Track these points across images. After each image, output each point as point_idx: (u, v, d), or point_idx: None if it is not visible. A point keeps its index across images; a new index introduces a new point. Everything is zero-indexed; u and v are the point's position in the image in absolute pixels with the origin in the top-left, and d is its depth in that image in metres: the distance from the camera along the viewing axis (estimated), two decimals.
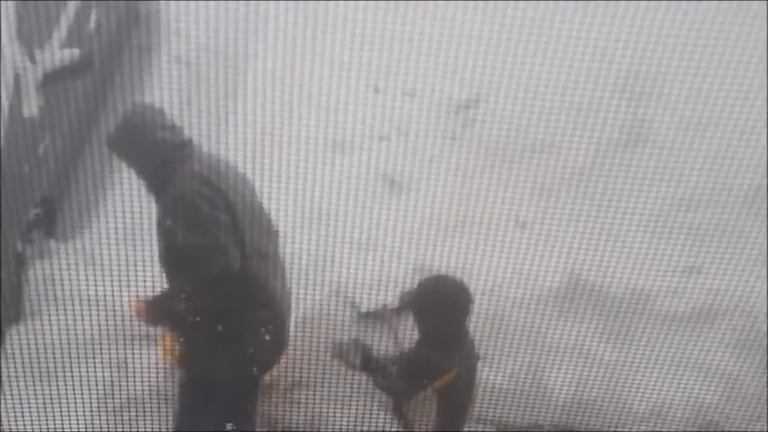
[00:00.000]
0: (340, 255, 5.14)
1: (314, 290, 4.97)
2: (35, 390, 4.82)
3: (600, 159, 5.89)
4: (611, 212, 5.57)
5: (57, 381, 4.85)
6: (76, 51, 5.54)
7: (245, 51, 7.09)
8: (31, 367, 4.80)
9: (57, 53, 5.55)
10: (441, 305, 4.19)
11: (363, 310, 4.90)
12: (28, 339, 4.88)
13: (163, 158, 4.03)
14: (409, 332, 4.59)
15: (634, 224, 5.50)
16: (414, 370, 4.18)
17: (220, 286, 3.96)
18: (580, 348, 4.95)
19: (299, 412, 4.90)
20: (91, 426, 4.71)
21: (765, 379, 4.80)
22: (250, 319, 4.12)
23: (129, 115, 4.12)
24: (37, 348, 4.89)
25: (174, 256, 3.99)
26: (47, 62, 5.46)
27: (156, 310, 4.20)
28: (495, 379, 4.81)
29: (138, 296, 4.25)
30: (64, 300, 5.03)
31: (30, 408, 4.74)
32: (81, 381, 4.81)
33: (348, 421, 4.71)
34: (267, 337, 4.18)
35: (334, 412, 4.81)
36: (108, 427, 4.71)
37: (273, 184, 5.80)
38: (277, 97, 6.38)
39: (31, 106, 5.27)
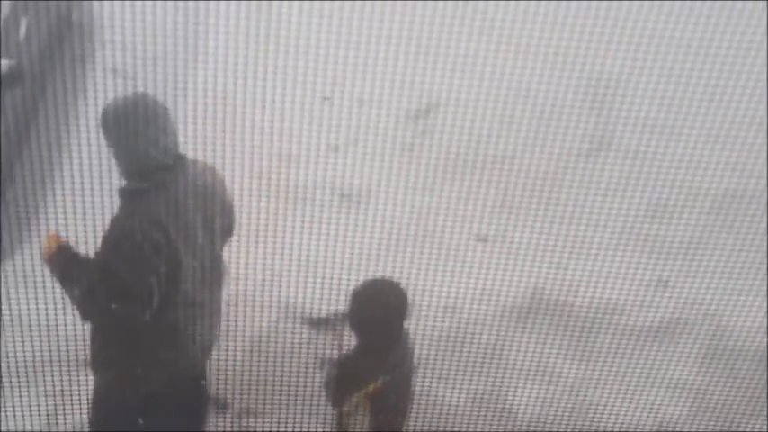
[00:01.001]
0: (289, 272, 5.41)
1: (264, 309, 5.25)
2: None
3: (563, 169, 6.17)
4: (574, 225, 5.87)
5: None
6: (5, 62, 5.77)
7: (185, 61, 7.32)
8: None
9: None
10: (369, 310, 4.40)
11: (314, 316, 5.14)
12: None
13: (140, 171, 4.13)
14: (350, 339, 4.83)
15: (599, 236, 5.79)
16: (344, 375, 4.45)
17: (121, 322, 4.13)
18: (544, 366, 5.21)
19: None
20: None
21: (732, 392, 5.08)
22: (151, 360, 4.28)
23: (127, 105, 4.24)
24: None
25: (102, 272, 4.07)
26: None
27: (62, 249, 4.22)
28: (456, 398, 5.06)
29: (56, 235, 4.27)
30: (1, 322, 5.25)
31: None
32: (20, 409, 5.04)
33: None
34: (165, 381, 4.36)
35: None
36: None
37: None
38: (221, 108, 6.64)
39: None
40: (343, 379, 4.44)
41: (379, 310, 4.37)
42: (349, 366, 4.45)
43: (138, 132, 4.09)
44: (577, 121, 6.46)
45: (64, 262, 4.17)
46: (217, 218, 4.36)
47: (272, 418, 5.18)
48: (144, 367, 4.27)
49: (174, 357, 4.38)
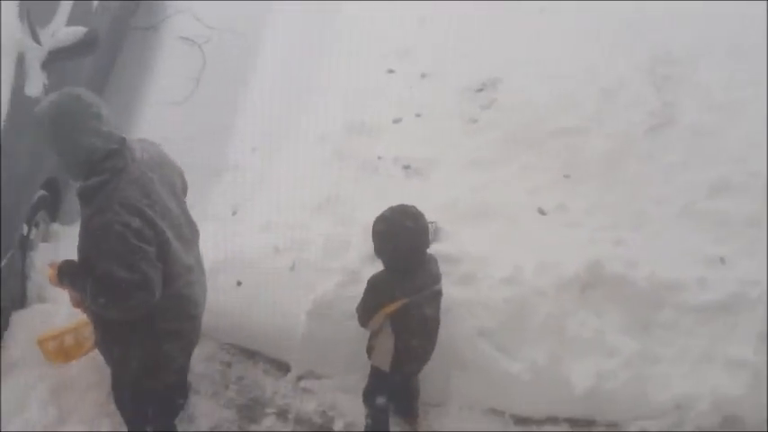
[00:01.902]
0: (353, 241, 5.44)
1: (328, 274, 5.30)
2: (41, 376, 5.17)
3: (626, 144, 6.11)
4: (635, 200, 5.85)
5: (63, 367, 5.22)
6: (81, 29, 5.85)
7: (256, 32, 7.38)
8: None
9: (61, 31, 5.88)
10: (385, 233, 4.60)
11: None
12: (33, 324, 5.25)
13: (87, 161, 4.07)
14: None
15: (659, 212, 5.76)
16: (369, 296, 4.70)
17: (137, 312, 4.18)
18: (601, 339, 5.19)
19: (310, 401, 5.27)
20: (106, 411, 5.08)
21: None
22: (167, 330, 4.37)
23: (61, 103, 4.08)
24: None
25: (95, 279, 4.12)
26: (51, 41, 5.80)
27: (62, 275, 4.33)
28: (513, 368, 5.09)
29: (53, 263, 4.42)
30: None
31: (37, 396, 5.12)
32: (89, 366, 5.16)
33: (361, 412, 5.04)
34: (181, 343, 4.49)
35: (347, 402, 5.15)
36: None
37: (284, 169, 6.13)
38: (289, 79, 6.69)
39: (35, 85, 5.60)
40: (369, 300, 4.69)
41: (399, 234, 4.56)
42: (374, 288, 4.69)
43: (78, 127, 4.01)
44: (640, 96, 6.39)
45: (70, 279, 4.29)
46: (177, 181, 4.44)
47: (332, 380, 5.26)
48: (171, 343, 4.43)
49: (191, 326, 4.54)
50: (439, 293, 4.79)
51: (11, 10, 5.55)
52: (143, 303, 4.11)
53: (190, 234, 4.44)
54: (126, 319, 4.22)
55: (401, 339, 4.68)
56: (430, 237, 5.36)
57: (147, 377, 4.48)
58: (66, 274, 4.30)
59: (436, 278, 4.77)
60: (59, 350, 5.17)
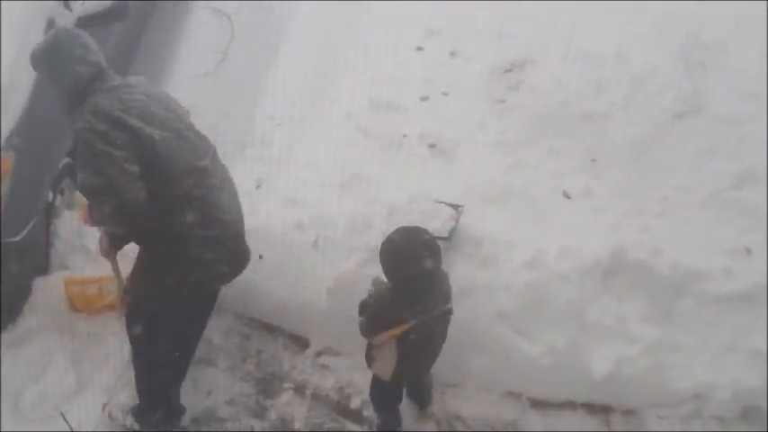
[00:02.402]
0: (376, 219, 5.40)
1: (350, 252, 5.26)
2: (60, 344, 5.17)
3: (653, 131, 6.04)
4: (662, 187, 5.77)
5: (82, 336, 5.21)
6: None
7: (286, 6, 7.33)
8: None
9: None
10: (393, 257, 4.35)
11: None
12: (55, 292, 5.25)
13: (75, 89, 4.30)
14: None
15: (685, 200, 5.68)
16: (372, 314, 4.50)
17: (123, 218, 4.21)
18: (622, 325, 5.13)
19: (328, 378, 5.25)
20: (124, 380, 5.07)
21: None
22: (185, 236, 4.39)
23: (51, 36, 4.43)
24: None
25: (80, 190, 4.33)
26: (80, 8, 5.78)
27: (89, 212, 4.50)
28: (532, 351, 5.04)
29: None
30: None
31: (55, 364, 5.11)
32: (108, 335, 5.16)
33: None
34: (209, 251, 4.46)
35: (365, 379, 5.11)
36: None
37: (312, 145, 6.09)
38: (317, 55, 6.63)
39: None
40: (374, 317, 4.48)
41: (408, 258, 4.29)
42: (381, 306, 4.46)
43: (65, 56, 4.32)
44: (671, 83, 6.30)
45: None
46: (170, 100, 4.56)
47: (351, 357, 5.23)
48: (199, 249, 4.45)
49: (220, 233, 4.53)
50: (448, 312, 4.55)
51: None
52: (118, 208, 4.15)
53: (197, 139, 4.51)
54: (124, 229, 4.29)
55: (405, 356, 4.49)
56: (454, 223, 5.30)
57: (172, 287, 4.47)
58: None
59: (446, 297, 4.53)
60: (81, 296, 5.26)
